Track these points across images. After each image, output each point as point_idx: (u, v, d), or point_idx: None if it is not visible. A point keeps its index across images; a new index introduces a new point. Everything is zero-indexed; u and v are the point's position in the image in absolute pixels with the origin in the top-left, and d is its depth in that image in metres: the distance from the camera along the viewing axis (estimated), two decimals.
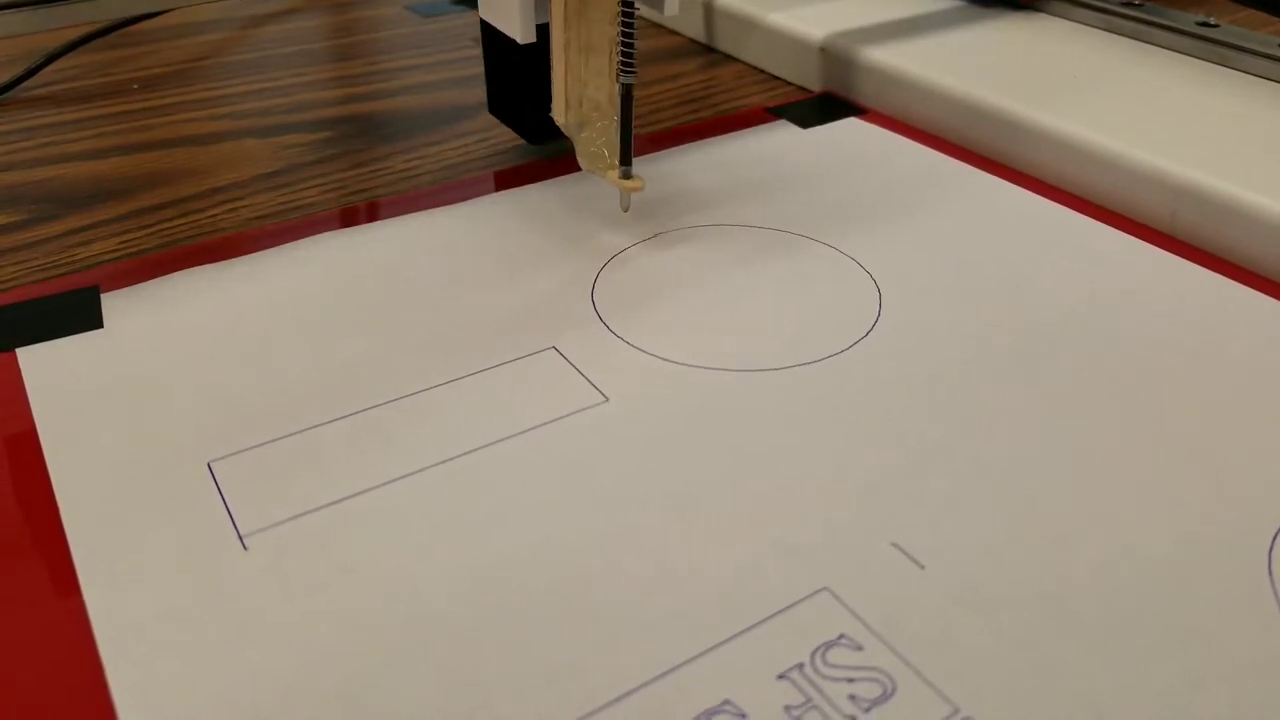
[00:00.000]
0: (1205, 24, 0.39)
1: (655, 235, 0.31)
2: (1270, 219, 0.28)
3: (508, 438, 0.23)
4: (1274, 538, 0.20)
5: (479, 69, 0.44)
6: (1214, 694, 0.17)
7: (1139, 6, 0.40)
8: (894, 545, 0.20)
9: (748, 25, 0.45)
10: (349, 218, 0.32)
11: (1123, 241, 0.30)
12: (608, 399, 0.24)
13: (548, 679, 0.17)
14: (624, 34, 0.28)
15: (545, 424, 0.23)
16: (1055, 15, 0.43)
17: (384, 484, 0.21)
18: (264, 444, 0.22)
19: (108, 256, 0.30)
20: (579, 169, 0.30)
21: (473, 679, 0.17)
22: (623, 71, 0.28)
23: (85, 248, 0.31)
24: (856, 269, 0.29)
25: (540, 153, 0.36)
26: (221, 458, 0.22)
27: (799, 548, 0.20)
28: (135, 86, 0.42)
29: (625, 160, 0.29)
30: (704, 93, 0.42)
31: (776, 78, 0.43)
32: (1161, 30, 0.39)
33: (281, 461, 0.22)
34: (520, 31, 0.30)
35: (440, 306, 0.27)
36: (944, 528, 0.20)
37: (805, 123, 0.38)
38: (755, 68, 0.44)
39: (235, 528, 0.20)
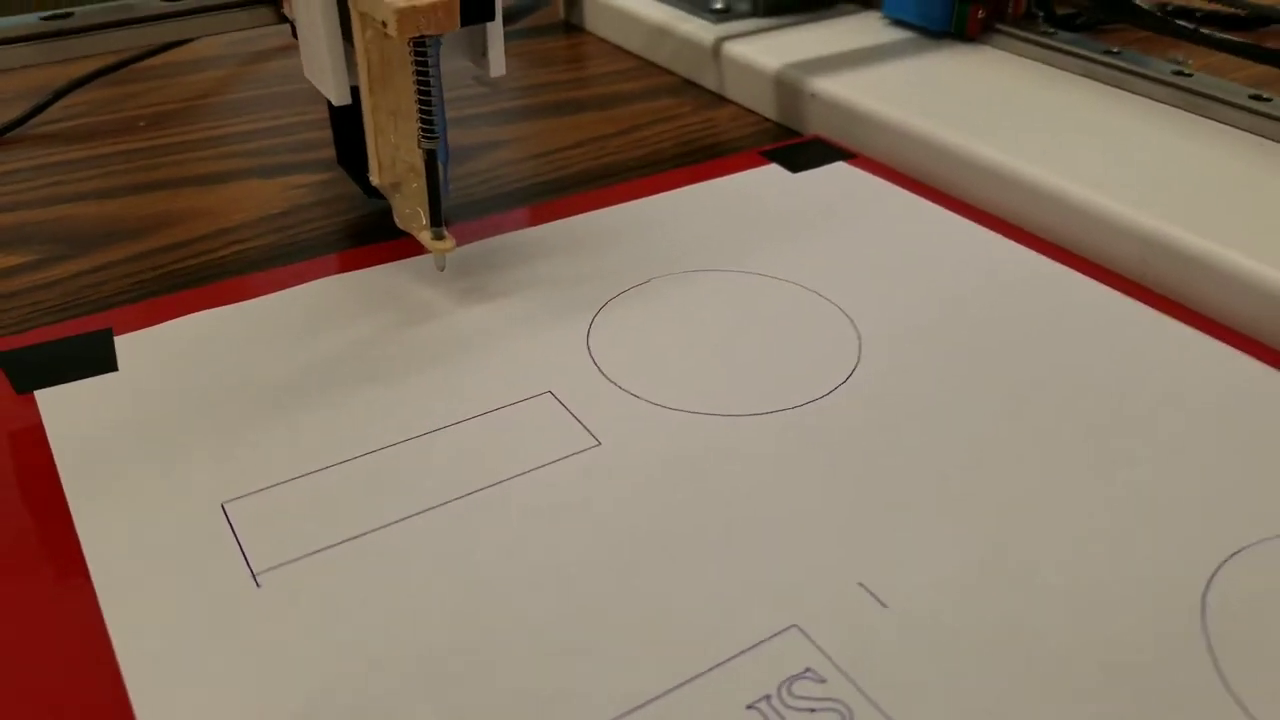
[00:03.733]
0: (1180, 72, 0.40)
1: (649, 280, 0.32)
2: (1239, 273, 0.30)
3: (507, 479, 0.24)
4: (1209, 581, 0.21)
5: (478, 109, 0.46)
6: None
7: (1116, 54, 0.42)
8: (860, 585, 0.21)
9: (736, 67, 0.46)
10: (353, 261, 0.33)
11: (1095, 290, 0.31)
12: (600, 443, 0.25)
13: (539, 710, 0.19)
14: (421, 102, 0.28)
15: (542, 466, 0.25)
16: (1032, 59, 0.44)
17: (390, 524, 0.23)
18: (275, 485, 0.24)
19: (120, 298, 0.32)
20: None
21: (470, 710, 0.19)
22: (424, 137, 0.28)
23: (97, 289, 0.32)
24: (838, 314, 0.30)
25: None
26: (235, 499, 0.24)
27: (773, 587, 0.21)
28: (142, 124, 0.44)
29: (435, 222, 0.30)
30: (701, 134, 0.44)
31: (768, 119, 0.45)
32: (1136, 78, 0.41)
33: (292, 502, 0.23)
34: (334, 94, 0.30)
35: (441, 351, 0.29)
36: (907, 569, 0.22)
37: (795, 167, 0.40)
38: (750, 110, 0.46)
39: (249, 566, 0.22)
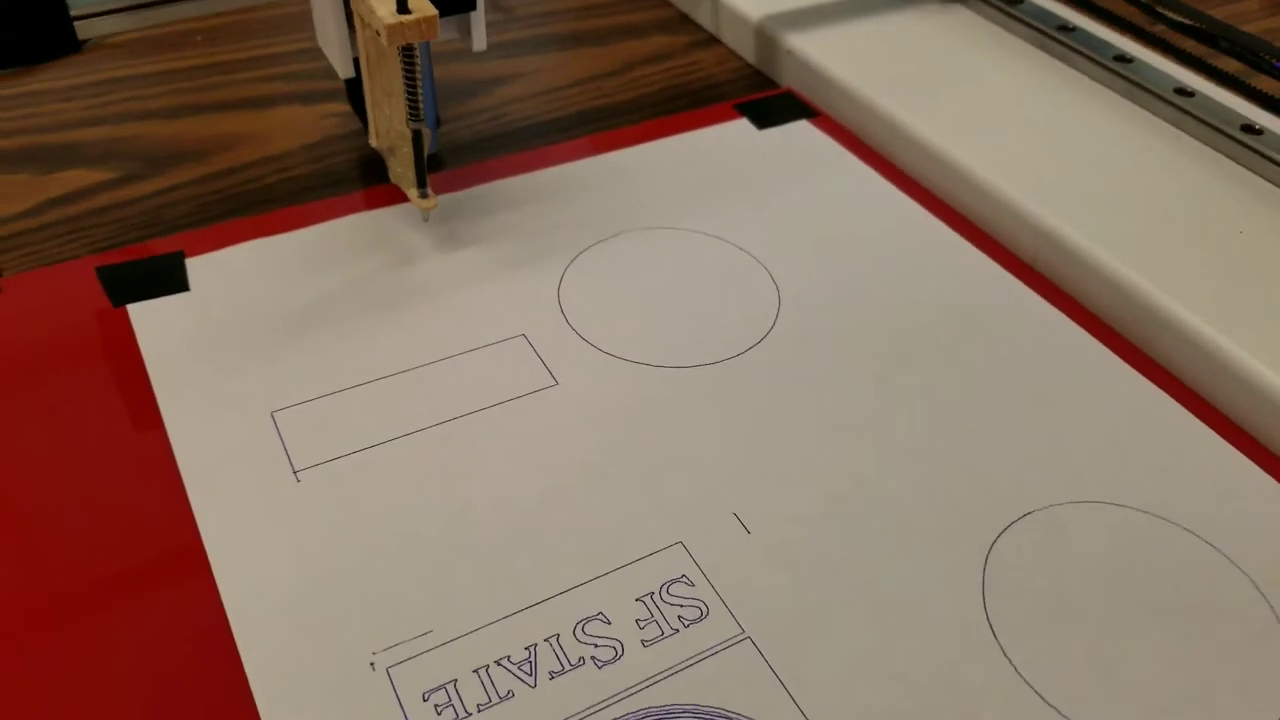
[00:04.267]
0: (1120, 58, 0.45)
1: (617, 234, 0.39)
2: (1113, 274, 0.36)
3: (485, 408, 0.32)
4: (989, 548, 0.29)
5: (492, 37, 0.51)
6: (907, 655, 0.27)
7: (1070, 31, 0.47)
8: (734, 514, 0.29)
9: (726, 11, 0.51)
10: (373, 199, 0.40)
11: (994, 272, 0.38)
12: (557, 383, 0.33)
13: (492, 586, 0.27)
14: (408, 88, 0.34)
15: (512, 399, 0.32)
16: (997, 24, 0.49)
17: (395, 438, 0.31)
18: (310, 400, 0.32)
19: (187, 220, 0.39)
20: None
21: (444, 583, 0.27)
22: (410, 118, 0.35)
23: (170, 209, 0.40)
24: (767, 279, 0.37)
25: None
26: (281, 409, 0.31)
27: (669, 510, 0.29)
28: (199, 39, 0.50)
29: (420, 185, 0.36)
30: (683, 77, 0.49)
31: (751, 65, 0.50)
32: (1082, 59, 0.46)
33: (322, 415, 0.31)
34: (340, 68, 0.36)
35: (439, 290, 0.36)
36: (770, 507, 0.29)
37: (762, 123, 0.45)
38: (736, 53, 0.51)
39: (291, 464, 0.30)
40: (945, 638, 0.26)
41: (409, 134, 0.35)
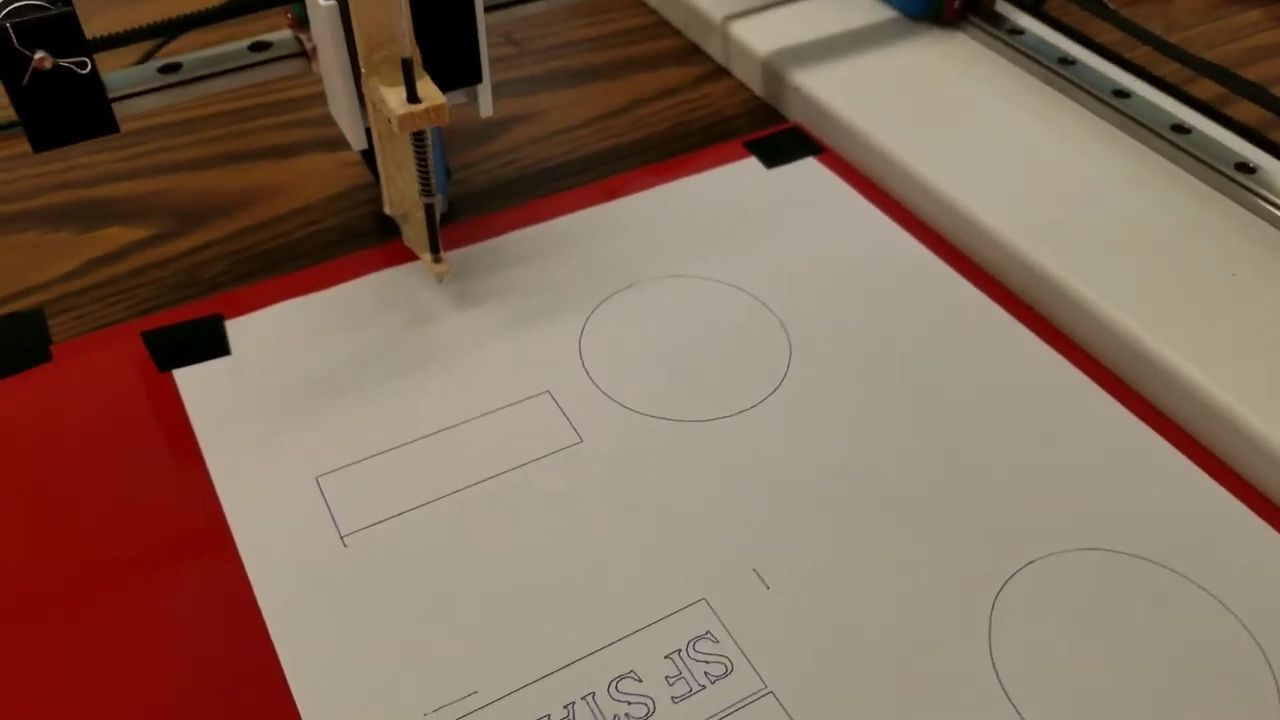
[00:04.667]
0: (1119, 93, 0.47)
1: (632, 285, 0.41)
2: (1107, 320, 0.38)
3: (516, 467, 0.34)
4: (995, 599, 0.31)
5: (503, 74, 0.52)
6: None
7: (1070, 64, 0.48)
8: (754, 571, 0.31)
9: (735, 45, 0.53)
10: (396, 254, 0.42)
11: (989, 311, 0.40)
12: (582, 440, 0.35)
13: (530, 646, 0.29)
14: (419, 164, 0.35)
15: (541, 458, 0.34)
16: (998, 54, 0.50)
17: (431, 501, 0.33)
18: (350, 465, 0.34)
19: (224, 279, 0.41)
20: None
21: (485, 643, 0.29)
22: (422, 193, 0.36)
23: (205, 268, 0.41)
24: (778, 327, 0.39)
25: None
26: (324, 474, 0.33)
27: (692, 567, 0.31)
28: None
29: (434, 251, 0.38)
30: (692, 113, 0.51)
31: (759, 98, 0.52)
32: (1081, 92, 0.47)
33: (363, 479, 0.33)
34: (354, 141, 0.37)
35: (463, 348, 0.38)
36: (788, 561, 0.31)
37: (771, 161, 0.47)
38: (745, 85, 0.53)
39: (337, 529, 0.32)
40: (957, 689, 0.29)
41: (422, 204, 0.37)
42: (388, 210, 0.39)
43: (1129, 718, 0.28)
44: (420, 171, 0.36)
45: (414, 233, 0.40)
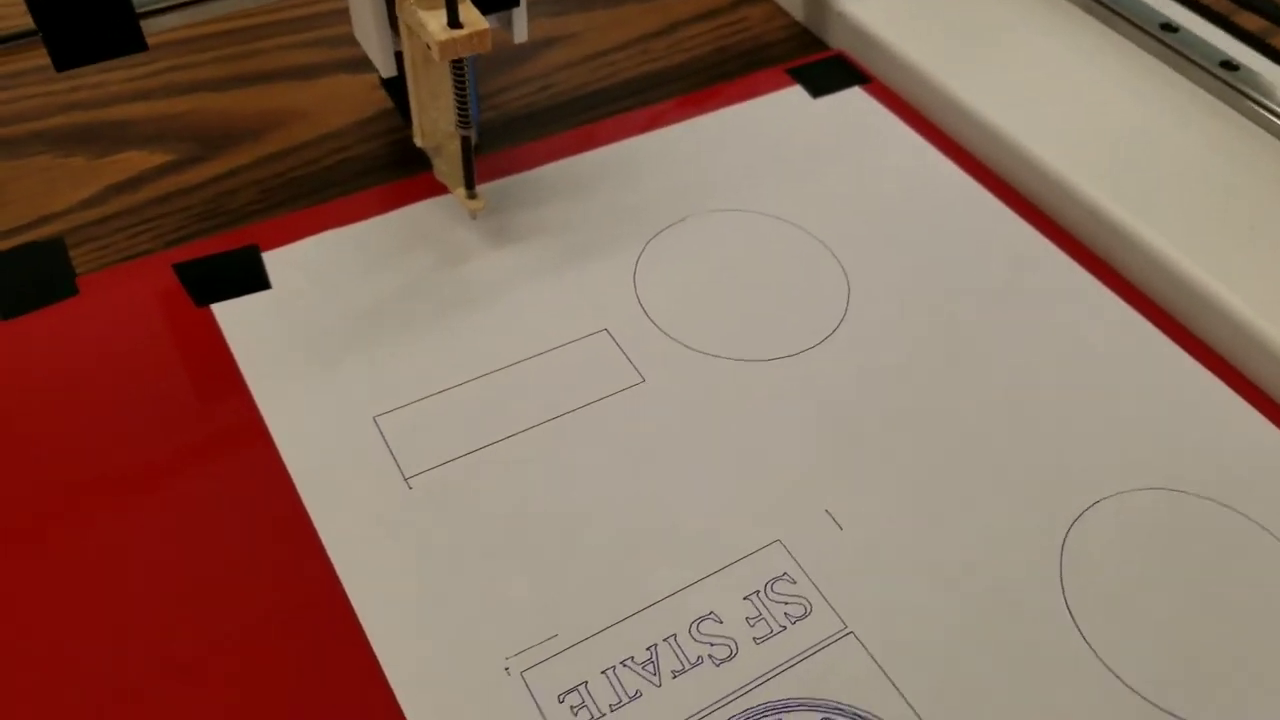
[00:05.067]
0: (1167, 26, 0.45)
1: (684, 219, 0.40)
2: (1161, 255, 0.37)
3: (579, 408, 0.33)
4: (1064, 537, 0.31)
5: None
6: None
7: (1174, 31, 0.46)
8: (826, 511, 0.31)
9: None
10: (431, 185, 0.40)
11: (1049, 253, 0.39)
12: (644, 380, 0.34)
13: (606, 588, 0.29)
14: (458, 94, 0.34)
15: (603, 399, 0.33)
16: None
17: (497, 441, 0.32)
18: (407, 404, 0.33)
19: (252, 209, 0.39)
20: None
21: (561, 586, 0.29)
22: (459, 124, 0.35)
23: (232, 197, 0.40)
24: (835, 265, 0.38)
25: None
26: (382, 414, 0.32)
27: (765, 509, 0.31)
28: None
29: (469, 186, 0.37)
30: (732, 37, 0.49)
31: (799, 23, 0.50)
32: (1130, 26, 0.46)
33: (422, 420, 0.32)
34: (382, 67, 0.36)
35: (516, 283, 0.37)
36: (859, 502, 0.31)
37: (816, 90, 0.46)
38: (781, 8, 0.51)
39: (401, 471, 0.31)
40: (1029, 624, 0.29)
41: (457, 135, 0.36)
42: (419, 143, 0.38)
43: (1197, 652, 0.28)
44: (458, 101, 0.34)
45: (447, 166, 0.38)
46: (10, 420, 0.32)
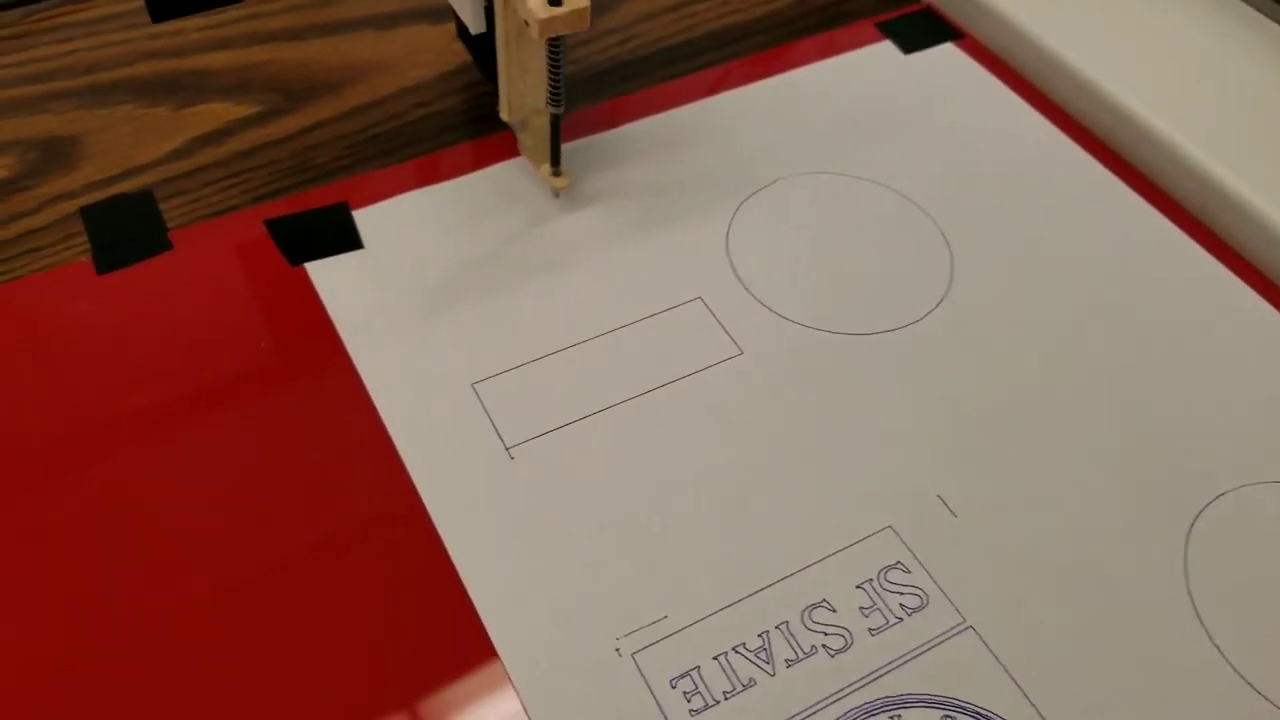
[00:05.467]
0: None
1: (775, 181, 0.38)
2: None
3: (678, 379, 0.32)
4: (1188, 531, 0.30)
5: None
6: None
7: None
8: (938, 497, 0.30)
9: None
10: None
11: (1158, 225, 0.37)
12: (742, 352, 0.33)
13: (714, 570, 0.28)
14: (551, 71, 0.33)
15: (700, 371, 0.32)
16: None
17: (594, 413, 0.31)
18: (506, 371, 0.32)
19: (339, 164, 0.38)
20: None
21: (668, 566, 0.28)
22: (550, 103, 0.33)
23: (319, 151, 0.39)
24: (936, 233, 0.37)
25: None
26: (481, 380, 0.32)
27: (875, 493, 0.30)
28: None
29: (555, 163, 0.35)
30: None
31: None
32: None
33: (520, 387, 0.32)
34: (471, 23, 0.34)
35: (608, 250, 0.36)
36: (972, 488, 0.30)
37: (907, 46, 0.44)
38: None
39: (501, 440, 0.30)
40: (1153, 622, 0.28)
41: (546, 112, 0.34)
42: (505, 117, 0.36)
43: None
44: (552, 80, 0.33)
45: (533, 142, 0.37)
46: (108, 377, 0.31)
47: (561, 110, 0.34)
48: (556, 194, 0.37)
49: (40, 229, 0.35)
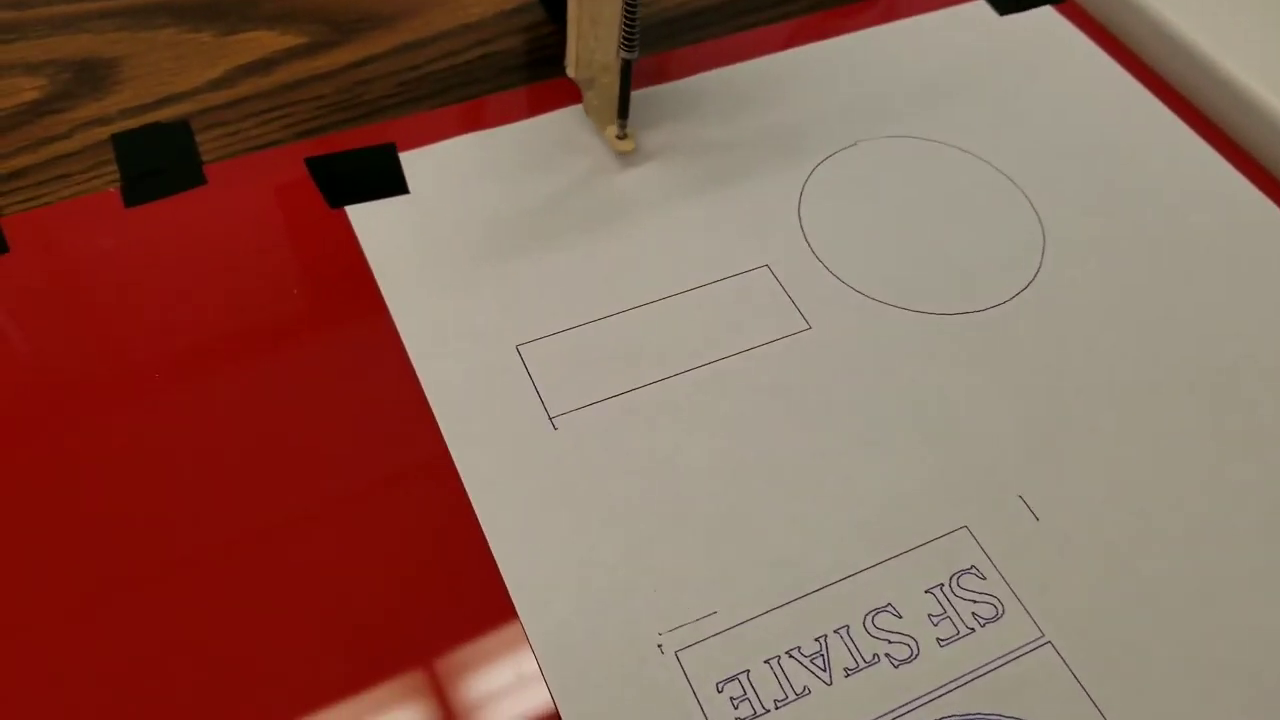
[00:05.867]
0: None
1: (855, 144, 0.35)
2: None
3: (736, 354, 0.30)
4: None
5: None
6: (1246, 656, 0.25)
7: None
8: (1020, 497, 0.27)
9: None
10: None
11: (1261, 206, 0.34)
12: (810, 327, 0.30)
13: (769, 564, 0.26)
14: (627, 14, 0.30)
15: (762, 345, 0.30)
16: None
17: (647, 385, 0.29)
18: (553, 334, 0.30)
19: (390, 103, 0.36)
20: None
21: (720, 557, 0.26)
22: (624, 48, 0.31)
23: (368, 87, 0.36)
24: (1027, 207, 0.34)
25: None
26: (525, 343, 0.29)
27: (949, 488, 0.27)
28: None
29: (623, 115, 0.33)
30: None
31: None
32: None
33: (568, 352, 0.29)
34: None
35: (667, 208, 0.33)
36: (1058, 489, 0.27)
37: (1003, 7, 0.40)
38: None
39: (545, 409, 0.28)
40: (1266, 649, 0.25)
41: (616, 66, 0.32)
42: (571, 74, 0.34)
43: None
44: (627, 20, 0.30)
45: (599, 101, 0.34)
46: (133, 314, 0.29)
47: (635, 55, 0.31)
48: (620, 156, 0.34)
49: (71, 154, 0.33)
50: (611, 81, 0.33)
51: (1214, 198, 0.34)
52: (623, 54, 0.31)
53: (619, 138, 0.33)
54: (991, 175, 0.35)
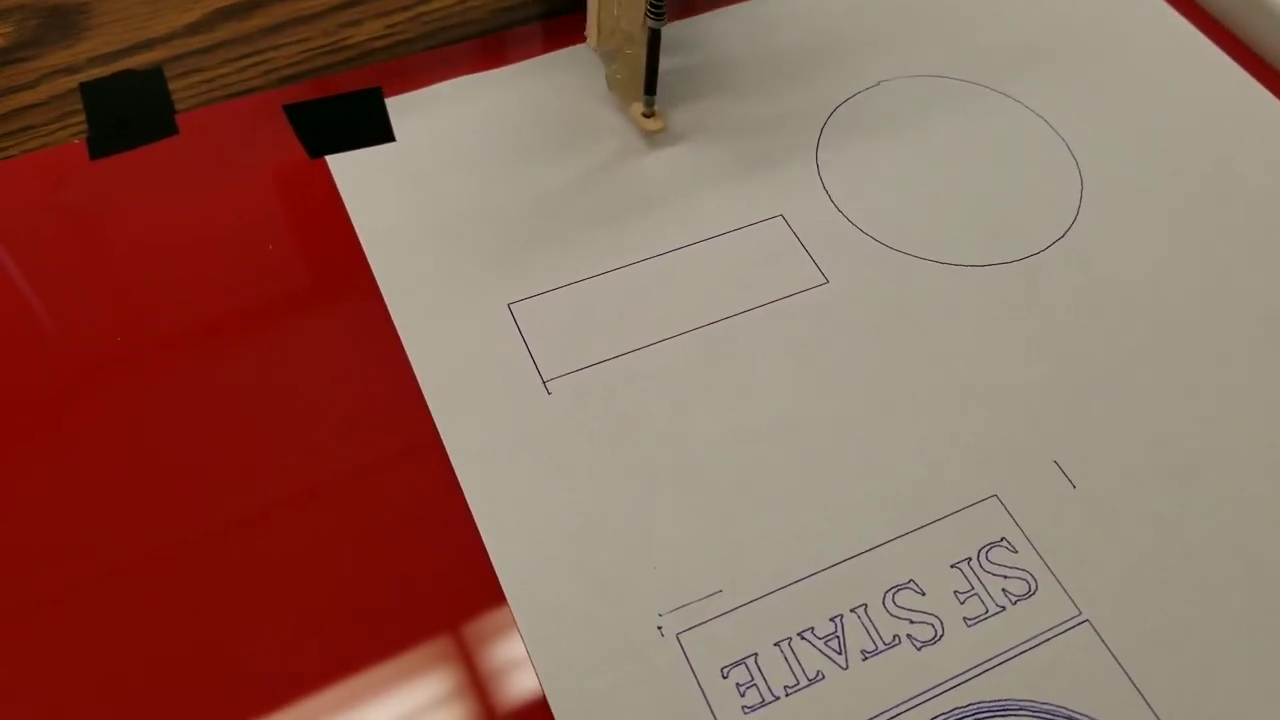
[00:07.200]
0: None
1: (877, 84, 0.33)
2: None
3: (745, 311, 0.27)
4: None
5: None
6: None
7: None
8: (1055, 463, 0.25)
9: None
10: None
11: None
12: (828, 281, 0.28)
13: (780, 537, 0.24)
14: None
15: (775, 301, 0.28)
16: None
17: (651, 344, 0.27)
18: (548, 291, 0.27)
19: (377, 45, 0.33)
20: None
21: (727, 530, 0.24)
22: (651, 16, 0.28)
23: (354, 29, 0.34)
24: (1065, 153, 0.31)
25: None
26: (518, 300, 0.27)
27: (978, 454, 0.25)
28: None
29: (650, 90, 0.30)
30: None
31: None
32: None
33: (564, 310, 0.27)
34: None
35: (672, 153, 0.31)
36: (1096, 454, 0.25)
37: None
38: None
39: (539, 372, 0.26)
40: None
41: (643, 36, 0.29)
42: (592, 44, 0.31)
43: None
44: None
45: (624, 75, 0.31)
46: (99, 269, 0.27)
47: (663, 23, 0.29)
48: (647, 136, 0.32)
49: (37, 105, 0.31)
50: (637, 53, 0.30)
51: (1266, 142, 0.32)
52: (650, 22, 0.29)
53: (646, 115, 0.31)
54: (1028, 119, 0.32)
